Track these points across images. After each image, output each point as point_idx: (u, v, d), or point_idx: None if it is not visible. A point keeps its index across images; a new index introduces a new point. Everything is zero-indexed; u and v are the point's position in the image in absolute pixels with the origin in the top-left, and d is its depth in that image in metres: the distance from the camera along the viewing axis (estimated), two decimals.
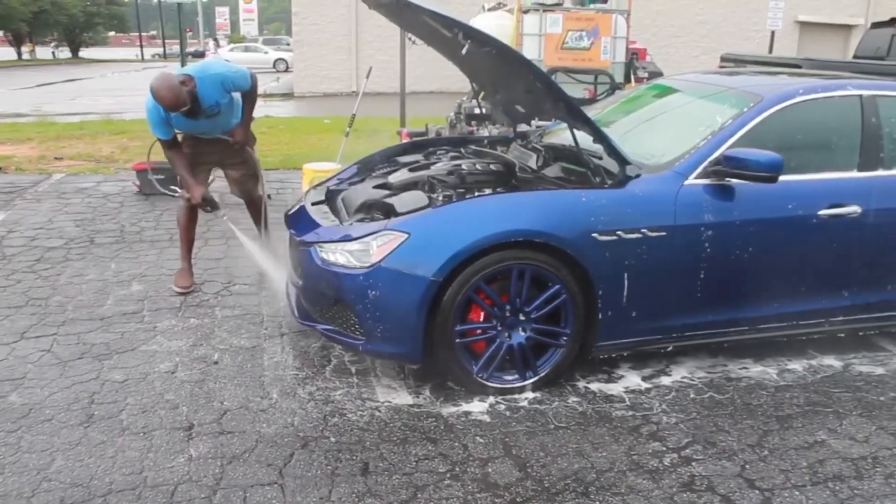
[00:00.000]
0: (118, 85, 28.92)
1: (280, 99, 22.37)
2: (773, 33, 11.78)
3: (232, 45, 39.86)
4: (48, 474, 2.96)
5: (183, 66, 11.61)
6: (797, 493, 3.04)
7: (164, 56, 55.03)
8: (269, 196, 7.11)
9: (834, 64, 9.13)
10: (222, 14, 66.65)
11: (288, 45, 43.82)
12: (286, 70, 34.13)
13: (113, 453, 3.12)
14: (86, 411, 3.45)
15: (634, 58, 8.85)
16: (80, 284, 5.08)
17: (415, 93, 11.00)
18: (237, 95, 4.91)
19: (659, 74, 9.79)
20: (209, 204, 4.91)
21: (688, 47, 24.93)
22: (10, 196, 7.54)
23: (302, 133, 12.76)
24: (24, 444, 3.16)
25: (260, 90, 5.21)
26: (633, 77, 8.48)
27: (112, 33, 70.07)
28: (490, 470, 3.09)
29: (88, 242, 6.02)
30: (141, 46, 55.81)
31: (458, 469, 3.09)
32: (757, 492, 3.03)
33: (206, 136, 4.96)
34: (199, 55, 38.64)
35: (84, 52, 54.25)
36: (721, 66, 10.18)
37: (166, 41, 59.00)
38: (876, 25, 10.62)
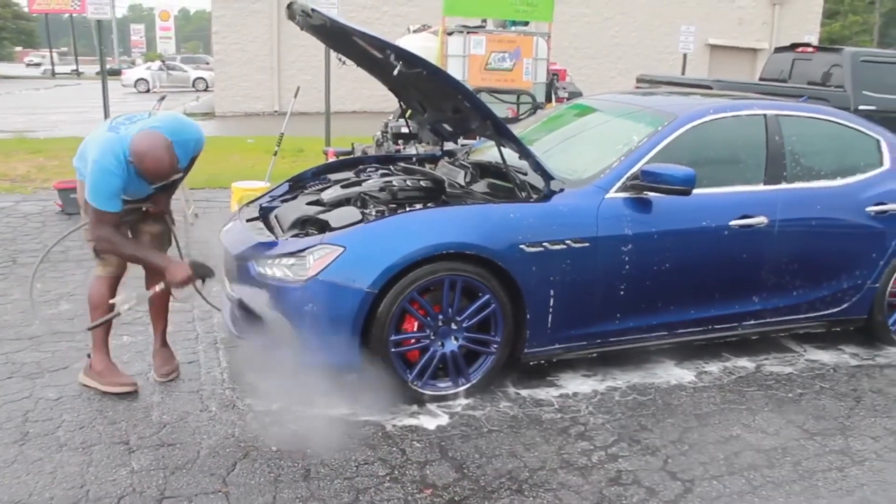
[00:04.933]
0: (27, 103, 28.00)
1: (201, 118, 22.05)
2: (685, 56, 12.33)
3: (148, 64, 39.11)
4: None
5: (104, 85, 11.42)
6: (715, 482, 3.26)
7: (78, 73, 53.58)
8: (196, 215, 7.11)
9: (742, 85, 9.66)
10: (138, 32, 65.31)
11: (207, 63, 43.26)
12: (206, 89, 33.67)
13: (52, 469, 3.12)
14: (20, 429, 3.43)
15: (555, 78, 9.17)
16: (4, 304, 5.00)
17: (338, 112, 11.09)
18: None
19: (579, 94, 10.16)
20: (202, 273, 3.74)
21: (604, 69, 25.68)
22: None
23: (225, 152, 12.67)
24: None
25: (180, 109, 5.13)
26: (553, 97, 8.78)
27: (19, 48, 67.82)
28: (428, 472, 3.22)
29: (11, 262, 5.91)
30: (52, 63, 54.10)
31: (397, 472, 3.20)
32: (679, 483, 3.24)
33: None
34: (114, 73, 37.83)
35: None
36: (637, 87, 10.64)
37: (79, 57, 57.50)
38: (779, 50, 11.26)
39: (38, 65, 52.97)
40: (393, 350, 3.71)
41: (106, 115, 9.08)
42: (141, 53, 48.56)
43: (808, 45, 10.96)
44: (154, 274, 3.84)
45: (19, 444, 3.30)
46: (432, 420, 3.67)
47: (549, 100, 8.59)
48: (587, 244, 3.91)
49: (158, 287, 3.75)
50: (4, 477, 3.05)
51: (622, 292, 4.06)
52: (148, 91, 34.67)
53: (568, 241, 3.87)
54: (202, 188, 9.06)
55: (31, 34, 57.69)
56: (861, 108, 9.39)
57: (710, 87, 8.90)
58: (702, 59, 27.65)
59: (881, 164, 4.83)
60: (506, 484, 3.16)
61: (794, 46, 10.93)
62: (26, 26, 55.73)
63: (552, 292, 3.90)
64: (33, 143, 13.78)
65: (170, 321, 4.16)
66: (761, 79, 11.24)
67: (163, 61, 39.57)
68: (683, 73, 12.53)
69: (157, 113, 3.74)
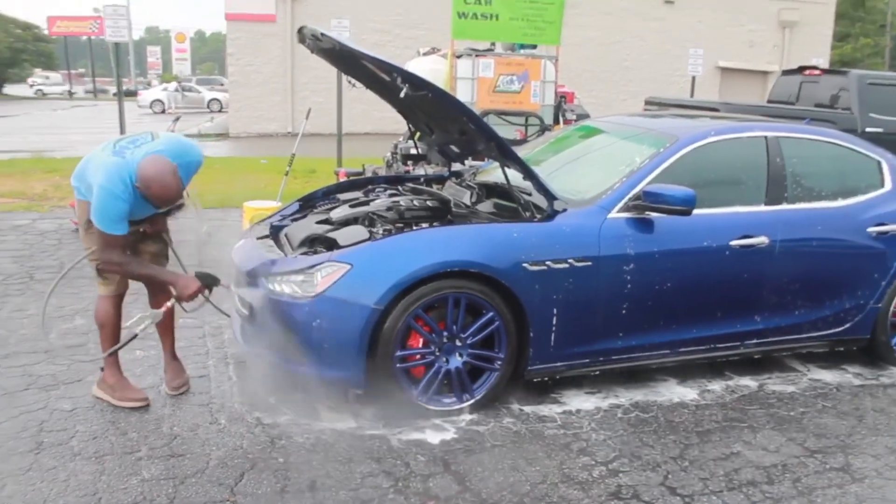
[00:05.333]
0: (45, 123, 28.43)
1: (215, 139, 22.34)
2: (693, 78, 12.45)
3: (164, 85, 39.60)
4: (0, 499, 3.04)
5: (120, 107, 11.59)
6: (714, 497, 3.32)
7: (95, 94, 54.32)
8: (209, 234, 7.22)
9: (749, 108, 9.74)
10: (154, 53, 66.00)
11: (222, 84, 43.72)
12: (220, 110, 34.05)
13: (65, 477, 3.21)
14: (35, 439, 3.53)
15: (563, 101, 9.30)
16: (21, 319, 5.12)
17: (350, 134, 11.26)
18: None
19: (586, 116, 10.27)
20: (209, 282, 3.89)
21: (615, 91, 25.87)
22: None
23: (239, 172, 12.85)
24: None
25: (194, 130, 5.23)
26: (561, 119, 8.90)
27: (38, 70, 68.89)
28: (431, 484, 3.29)
29: (28, 278, 6.04)
30: (70, 83, 54.90)
31: (401, 484, 3.28)
32: (678, 498, 3.29)
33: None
34: (130, 94, 38.27)
35: (7, 89, 53.13)
36: (645, 109, 10.74)
37: (96, 79, 58.30)
38: (786, 73, 11.37)
39: (39, 88, 53.69)
40: (398, 366, 3.79)
41: (122, 131, 9.26)
42: (157, 75, 49.22)
43: (815, 67, 11.04)
44: (159, 291, 3.95)
45: (34, 453, 3.40)
46: (437, 434, 3.74)
47: (556, 122, 8.72)
48: (590, 263, 3.99)
49: (170, 303, 3.85)
50: (20, 484, 3.14)
51: (624, 311, 4.14)
52: (163, 112, 35.09)
53: (571, 260, 3.95)
54: (215, 208, 9.20)
55: (51, 56, 58.45)
56: (868, 130, 9.46)
57: (717, 110, 8.99)
58: (713, 81, 27.80)
59: (882, 185, 4.89)
60: (507, 497, 3.22)
61: (801, 69, 11.02)
62: (45, 48, 56.51)
63: (555, 310, 3.98)
64: (50, 163, 14.00)
65: (181, 337, 4.27)
66: (770, 101, 11.33)
67: (179, 82, 40.12)
68: (692, 95, 12.64)
69: (158, 136, 3.81)
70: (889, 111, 9.71)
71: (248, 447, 3.53)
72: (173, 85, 39.19)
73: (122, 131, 9.42)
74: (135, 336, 3.88)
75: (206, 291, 3.87)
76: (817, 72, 10.73)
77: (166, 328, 4.13)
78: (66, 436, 3.56)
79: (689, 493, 3.34)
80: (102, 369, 3.97)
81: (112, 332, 3.91)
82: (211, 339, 4.85)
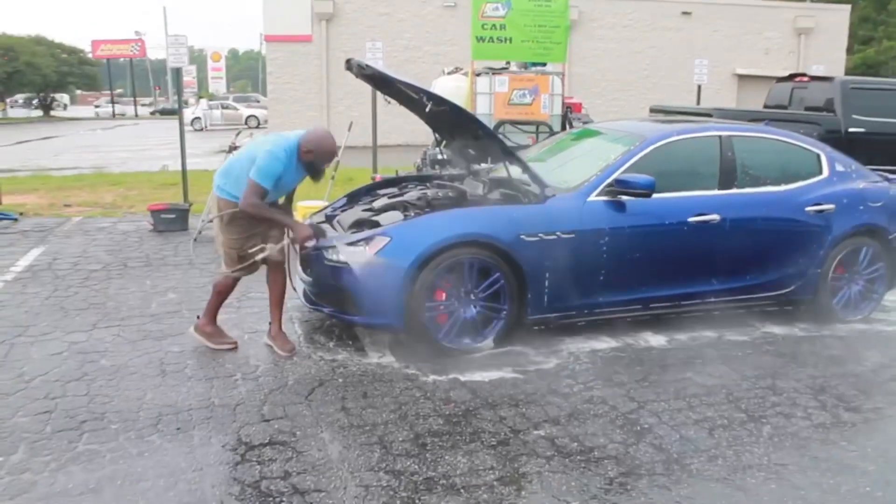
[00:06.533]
0: (93, 142, 30.20)
1: None
2: (699, 87, 13.53)
3: (208, 103, 41.28)
4: (144, 402, 4.28)
5: (181, 125, 12.93)
6: (662, 404, 4.45)
7: (136, 114, 56.46)
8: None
9: (739, 113, 10.84)
10: (189, 72, 68.07)
11: (258, 101, 45.43)
12: (258, 126, 35.59)
13: (186, 390, 4.45)
14: (159, 368, 4.77)
15: (569, 111, 10.49)
16: (126, 294, 6.39)
17: (383, 146, 12.42)
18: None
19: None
20: (319, 232, 5.12)
21: (635, 100, 26.83)
22: (42, 234, 8.83)
23: None
24: (122, 387, 4.47)
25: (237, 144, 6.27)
26: (568, 127, 10.08)
27: (79, 91, 71.67)
28: (451, 395, 4.47)
29: (122, 266, 7.35)
30: (113, 104, 57.19)
31: (429, 394, 4.46)
32: (635, 403, 4.43)
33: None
34: (170, 112, 39.87)
35: (53, 111, 55.69)
36: (651, 115, 11.86)
37: (136, 99, 60.58)
38: (780, 80, 12.42)
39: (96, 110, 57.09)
40: (427, 314, 4.97)
41: (183, 149, 10.56)
42: (193, 93, 51.07)
43: (804, 75, 12.10)
44: (275, 269, 5.11)
45: (161, 377, 4.64)
46: (455, 365, 4.91)
47: (564, 129, 9.91)
48: (573, 235, 5.15)
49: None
50: (156, 394, 4.38)
51: (602, 273, 5.29)
52: (203, 129, 36.73)
53: (558, 233, 5.12)
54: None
55: (94, 78, 60.92)
56: (851, 130, 10.50)
57: (710, 115, 10.07)
58: (730, 88, 28.74)
59: (820, 173, 5.99)
60: (506, 400, 4.39)
61: (792, 77, 12.08)
62: (90, 71, 58.95)
63: (547, 273, 5.14)
64: (112, 177, 15.48)
65: (254, 307, 5.57)
66: (765, 106, 12.37)
67: (208, 101, 41.72)
68: (698, 103, 13.72)
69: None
70: (870, 113, 10.69)
71: (315, 373, 4.74)
72: (204, 103, 40.70)
73: (183, 146, 10.70)
74: (255, 260, 4.95)
75: (314, 240, 4.99)
76: (806, 78, 11.77)
77: (276, 303, 5.15)
78: (181, 366, 4.81)
79: (644, 400, 4.48)
80: (199, 317, 5.20)
81: (222, 299, 5.18)
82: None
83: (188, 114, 39.06)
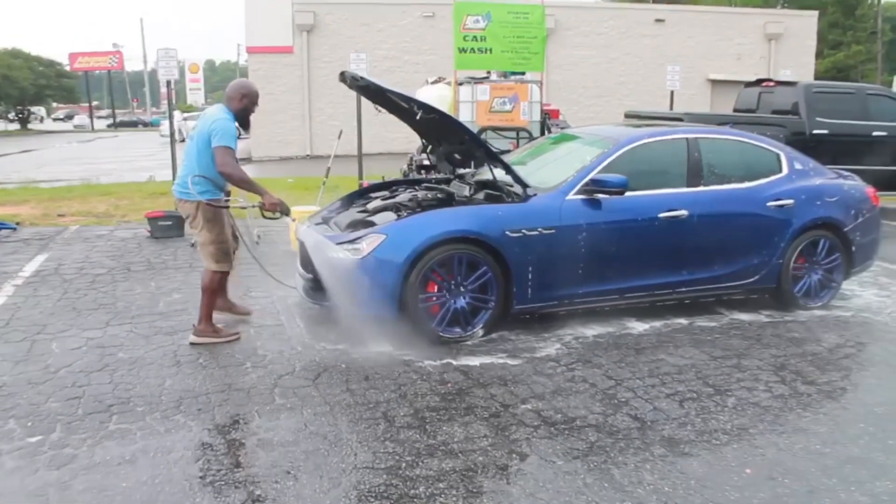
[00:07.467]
0: (75, 154, 30.41)
1: (240, 163, 24.04)
2: (671, 93, 14.10)
3: (185, 115, 41.42)
4: (165, 388, 4.67)
5: (172, 136, 13.26)
6: (637, 381, 4.89)
7: (115, 125, 56.48)
8: (259, 237, 8.87)
9: (708, 116, 11.38)
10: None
11: None
12: (240, 136, 35.64)
13: (203, 377, 4.84)
14: (173, 359, 5.16)
15: (546, 117, 11.00)
16: (133, 295, 6.77)
17: (365, 154, 12.85)
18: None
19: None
20: (282, 207, 5.59)
21: (612, 106, 27.50)
22: (43, 242, 9.17)
23: (272, 189, 14.40)
24: (142, 375, 4.86)
25: None
26: (548, 132, 10.57)
27: (54, 104, 71.53)
28: (446, 376, 4.89)
29: (126, 270, 7.71)
30: (91, 117, 57.20)
31: (425, 376, 4.89)
32: (612, 381, 4.88)
33: None
34: (129, 124, 39.89)
35: (31, 124, 55.66)
36: (625, 120, 12.37)
37: (115, 111, 60.59)
38: (748, 85, 12.97)
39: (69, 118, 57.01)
40: (420, 305, 5.39)
41: (174, 159, 10.93)
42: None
43: (769, 80, 12.67)
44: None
45: (177, 367, 5.03)
46: (448, 351, 5.33)
47: (542, 134, 10.39)
48: (553, 231, 5.60)
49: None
50: (175, 381, 4.77)
51: (581, 266, 5.74)
52: (183, 140, 36.89)
53: (540, 229, 5.56)
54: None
55: (72, 91, 60.90)
56: (815, 132, 11.06)
57: (681, 119, 10.60)
58: (704, 93, 29.46)
59: (780, 170, 6.48)
60: (496, 381, 4.82)
61: (759, 82, 12.65)
62: (68, 83, 58.94)
63: (530, 266, 5.58)
64: (102, 188, 15.79)
65: (258, 306, 6.00)
66: (735, 110, 12.91)
67: (182, 113, 41.82)
68: (672, 107, 14.31)
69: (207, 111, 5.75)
70: (833, 115, 11.25)
71: (319, 360, 5.14)
72: (180, 115, 40.86)
73: (174, 159, 11.07)
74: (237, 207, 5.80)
75: (279, 211, 5.55)
76: (772, 83, 12.34)
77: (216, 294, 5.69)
78: (194, 357, 5.20)
79: (621, 378, 4.93)
80: (194, 325, 5.58)
81: (214, 298, 5.62)
82: (280, 303, 6.48)
83: (165, 126, 39.21)
